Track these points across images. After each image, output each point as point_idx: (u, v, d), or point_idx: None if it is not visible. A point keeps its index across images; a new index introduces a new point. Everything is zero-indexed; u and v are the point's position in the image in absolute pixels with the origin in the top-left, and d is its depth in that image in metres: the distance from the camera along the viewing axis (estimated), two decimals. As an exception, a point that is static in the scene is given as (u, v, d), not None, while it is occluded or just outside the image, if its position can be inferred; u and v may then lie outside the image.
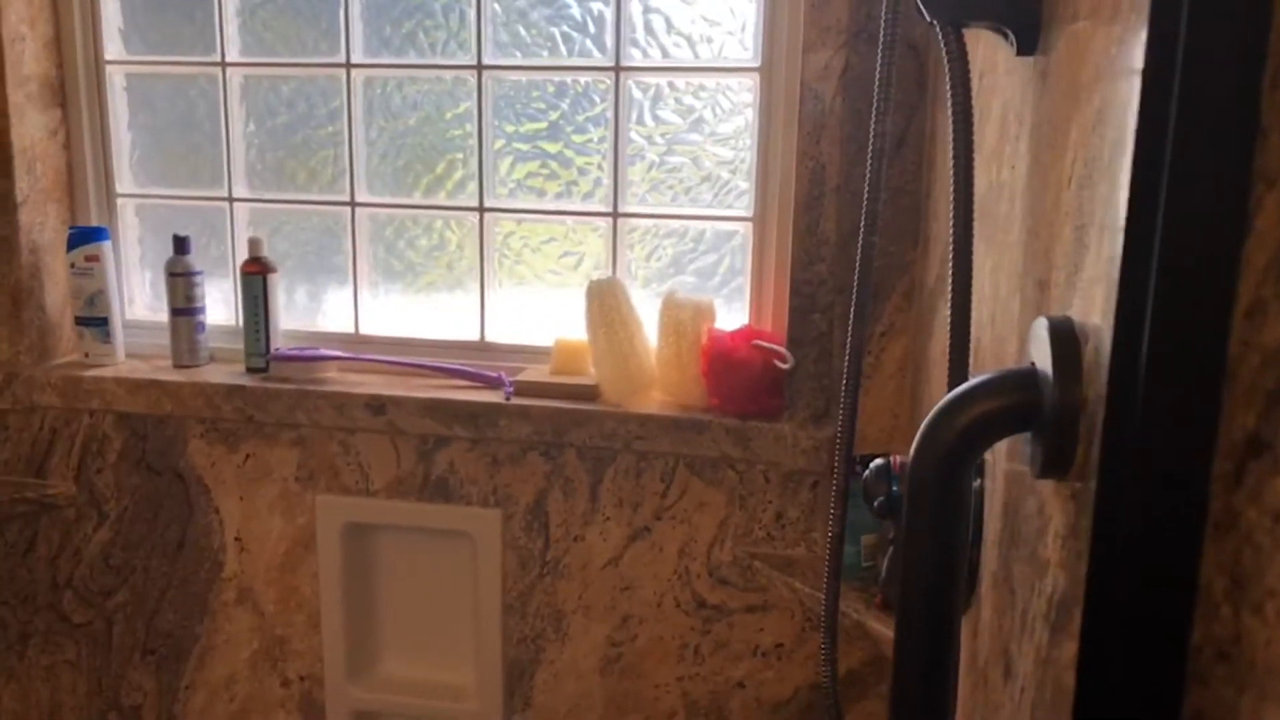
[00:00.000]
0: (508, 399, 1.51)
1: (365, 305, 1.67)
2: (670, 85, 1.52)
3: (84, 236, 1.63)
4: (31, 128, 1.62)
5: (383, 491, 1.57)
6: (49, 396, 1.63)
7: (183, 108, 1.69)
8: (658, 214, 1.56)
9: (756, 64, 1.47)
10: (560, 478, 1.52)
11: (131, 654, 1.72)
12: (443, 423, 1.51)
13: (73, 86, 1.67)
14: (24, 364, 1.64)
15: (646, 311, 1.52)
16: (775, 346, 1.43)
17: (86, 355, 1.66)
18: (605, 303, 1.49)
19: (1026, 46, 0.73)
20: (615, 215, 1.56)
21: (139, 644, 1.71)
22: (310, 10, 1.60)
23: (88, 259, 1.63)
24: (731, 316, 1.54)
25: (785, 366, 1.41)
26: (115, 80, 1.68)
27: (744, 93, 1.49)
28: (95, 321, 1.65)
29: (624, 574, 1.53)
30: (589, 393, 1.51)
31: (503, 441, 1.52)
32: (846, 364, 1.10)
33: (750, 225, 1.52)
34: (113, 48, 1.67)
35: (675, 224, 1.56)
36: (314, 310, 1.70)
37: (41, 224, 1.65)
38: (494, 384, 1.56)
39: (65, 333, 1.69)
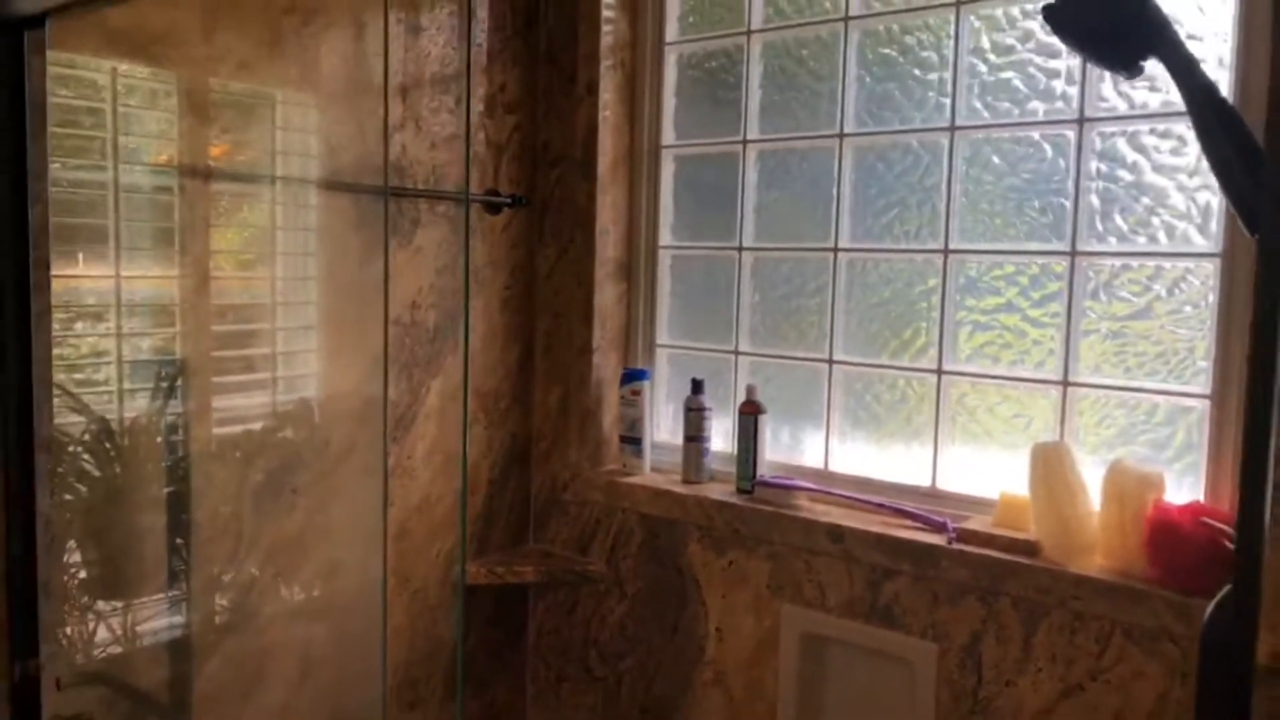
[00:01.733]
0: (950, 543, 1.68)
1: (834, 446, 1.97)
2: (1126, 265, 1.62)
3: (632, 376, 2.16)
4: (607, 296, 2.20)
5: (836, 609, 1.82)
6: (597, 495, 2.16)
7: (708, 279, 2.16)
8: (1107, 385, 1.65)
9: (1217, 250, 1.52)
10: (995, 623, 1.65)
11: (631, 709, 2.15)
12: (890, 557, 1.73)
13: (635, 265, 2.23)
14: (584, 468, 2.20)
15: (1092, 476, 1.61)
16: (1224, 525, 1.43)
17: (624, 466, 2.18)
18: (1049, 464, 1.61)
19: None
20: (1065, 384, 1.68)
21: (638, 702, 2.14)
22: (810, 204, 1.98)
23: (633, 393, 2.15)
24: (1183, 492, 1.56)
25: (1233, 547, 1.40)
26: (664, 260, 2.22)
27: (1204, 276, 1.54)
28: (633, 441, 2.16)
29: (1054, 727, 1.60)
30: (1028, 547, 1.62)
31: (943, 581, 1.69)
32: None
33: (1208, 403, 1.54)
34: (665, 236, 2.21)
35: (1126, 395, 1.63)
36: (793, 446, 2.03)
37: (604, 365, 2.21)
38: (939, 528, 1.74)
39: (612, 448, 2.23)
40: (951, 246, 1.80)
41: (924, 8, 1.81)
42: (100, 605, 1.66)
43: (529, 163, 2.24)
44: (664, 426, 2.24)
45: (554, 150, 2.22)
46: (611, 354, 2.23)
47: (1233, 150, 0.96)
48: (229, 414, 1.78)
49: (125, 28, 1.52)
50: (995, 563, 1.62)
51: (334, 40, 1.83)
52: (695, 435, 2.07)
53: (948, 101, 1.78)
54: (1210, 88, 1.05)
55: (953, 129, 1.78)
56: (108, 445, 1.65)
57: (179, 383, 1.71)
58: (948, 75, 1.78)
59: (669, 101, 2.19)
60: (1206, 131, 1.02)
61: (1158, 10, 1.06)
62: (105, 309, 1.63)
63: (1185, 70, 1.01)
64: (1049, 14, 1.11)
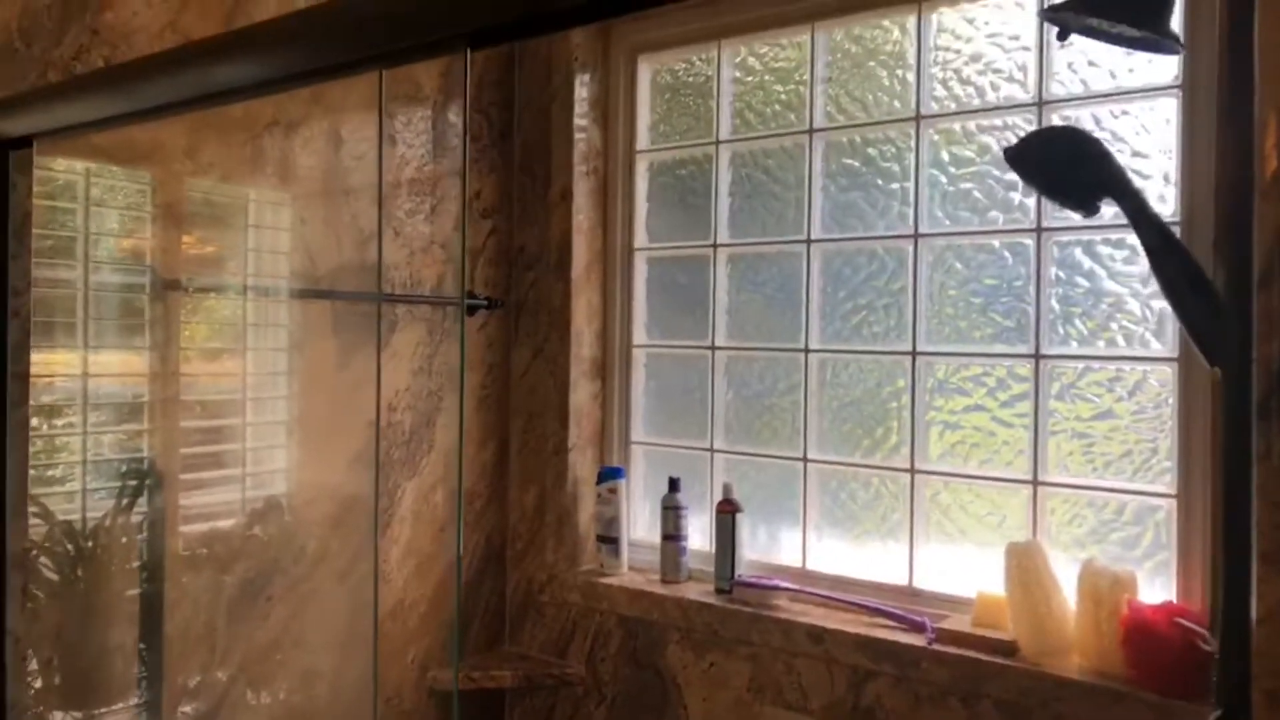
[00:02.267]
0: (929, 643, 1.69)
1: (811, 544, 1.98)
2: (1089, 368, 1.68)
3: (609, 474, 2.17)
4: (582, 395, 2.22)
5: (819, 712, 1.82)
6: (574, 595, 2.15)
7: (681, 377, 2.19)
8: (1076, 485, 1.69)
9: (1174, 354, 1.58)
10: (977, 725, 1.65)
11: (611, 817, 2.10)
12: (871, 658, 1.74)
13: (609, 363, 2.26)
14: (561, 568, 2.18)
15: (1066, 574, 1.63)
16: (1197, 627, 1.46)
17: (601, 566, 2.17)
18: (1023, 564, 1.64)
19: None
20: (1035, 483, 1.72)
21: (617, 810, 2.09)
22: (780, 305, 2.03)
23: (610, 491, 2.16)
24: (1156, 591, 1.59)
25: (1208, 649, 1.43)
26: (638, 359, 2.25)
27: (1163, 379, 1.60)
28: (609, 540, 2.16)
29: (1040, 831, 1.59)
30: (1006, 647, 1.64)
31: (925, 682, 1.69)
32: None
33: (1174, 502, 1.59)
34: (639, 335, 2.25)
35: (1095, 494, 1.67)
36: (770, 544, 2.05)
37: (580, 463, 2.22)
38: (918, 627, 1.75)
39: (588, 547, 2.22)
40: (919, 348, 1.85)
41: (885, 121, 1.89)
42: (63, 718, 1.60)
43: (504, 266, 2.28)
44: (640, 524, 2.24)
45: (529, 253, 2.26)
46: (588, 452, 2.24)
47: (1185, 283, 1.02)
48: (200, 514, 1.76)
49: (110, 146, 1.55)
50: (975, 664, 1.63)
51: (313, 152, 1.88)
52: (673, 534, 2.08)
53: (910, 210, 1.86)
54: (1162, 226, 1.11)
55: (916, 236, 1.85)
56: (70, 549, 1.62)
57: (148, 482, 1.69)
58: (909, 185, 1.86)
59: (641, 206, 2.25)
60: (1160, 266, 1.08)
61: (1113, 160, 1.12)
62: (69, 405, 1.62)
63: (1138, 211, 1.08)
64: (1011, 156, 1.18)
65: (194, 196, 1.70)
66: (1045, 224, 1.72)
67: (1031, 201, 1.73)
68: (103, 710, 1.64)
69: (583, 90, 2.20)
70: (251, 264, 1.83)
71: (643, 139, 2.24)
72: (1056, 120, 1.70)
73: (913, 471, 1.86)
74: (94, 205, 1.60)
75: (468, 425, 2.21)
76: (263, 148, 1.77)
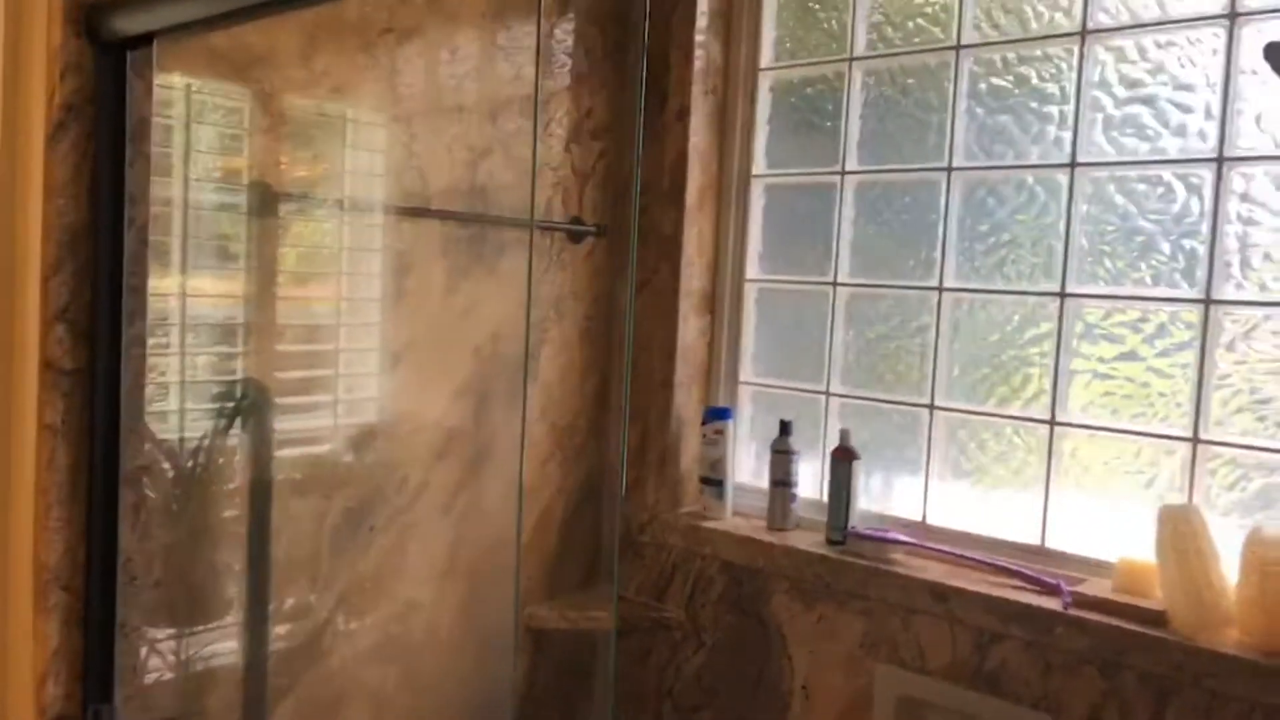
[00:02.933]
0: (1066, 608, 1.57)
1: (933, 496, 1.86)
2: (1267, 317, 1.51)
3: (715, 414, 2.07)
4: (690, 330, 2.12)
5: (937, 673, 1.72)
6: (675, 538, 2.07)
7: (796, 315, 2.07)
8: (1243, 444, 1.53)
9: (1377, 304, 1.40)
10: (1117, 698, 1.53)
11: (706, 763, 2.05)
12: (1000, 620, 1.62)
13: (719, 298, 2.15)
14: (662, 509, 2.11)
15: (1227, 542, 1.49)
16: (1388, 607, 1.31)
17: (704, 509, 2.08)
18: (1179, 530, 1.50)
19: None
20: (1195, 441, 1.57)
21: (713, 756, 2.04)
22: (912, 239, 1.89)
23: (716, 432, 2.06)
24: (1332, 563, 1.44)
25: (1400, 632, 1.29)
26: (749, 294, 2.13)
27: (1360, 330, 1.43)
28: (714, 482, 2.07)
29: (1182, 814, 1.48)
30: (1155, 617, 1.51)
31: (1058, 649, 1.58)
32: None
33: (1361, 468, 1.42)
34: (752, 268, 2.13)
35: (1265, 456, 1.52)
36: (886, 495, 1.93)
37: (685, 403, 2.13)
38: (1052, 590, 1.63)
39: (691, 489, 2.14)
40: (1069, 290, 1.69)
41: (1044, 37, 1.71)
42: (170, 643, 1.59)
43: (613, 190, 2.17)
44: (745, 468, 2.15)
45: (641, 178, 2.15)
46: (693, 390, 2.14)
47: None
48: (301, 439, 1.71)
49: (226, 48, 1.48)
50: (1119, 633, 1.51)
51: (429, 62, 1.78)
52: (782, 480, 1.98)
53: (1068, 136, 1.69)
54: None
55: (1073, 165, 1.68)
56: (169, 469, 1.59)
57: (246, 403, 1.64)
58: (1069, 109, 1.69)
59: (761, 129, 2.11)
60: None
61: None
62: (164, 325, 1.56)
63: None
64: (1271, 52, 1.03)
65: (297, 111, 1.62)
66: (1226, 153, 1.54)
67: (1213, 127, 1.55)
68: (207, 627, 1.62)
69: (703, 2, 2.06)
70: (355, 183, 1.75)
71: (766, 56, 2.09)
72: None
73: (1052, 423, 1.71)
74: (193, 122, 1.53)
75: (571, 358, 2.13)
76: (376, 56, 1.68)
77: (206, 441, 1.61)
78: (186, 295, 1.56)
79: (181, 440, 1.57)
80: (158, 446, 1.55)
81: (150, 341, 1.47)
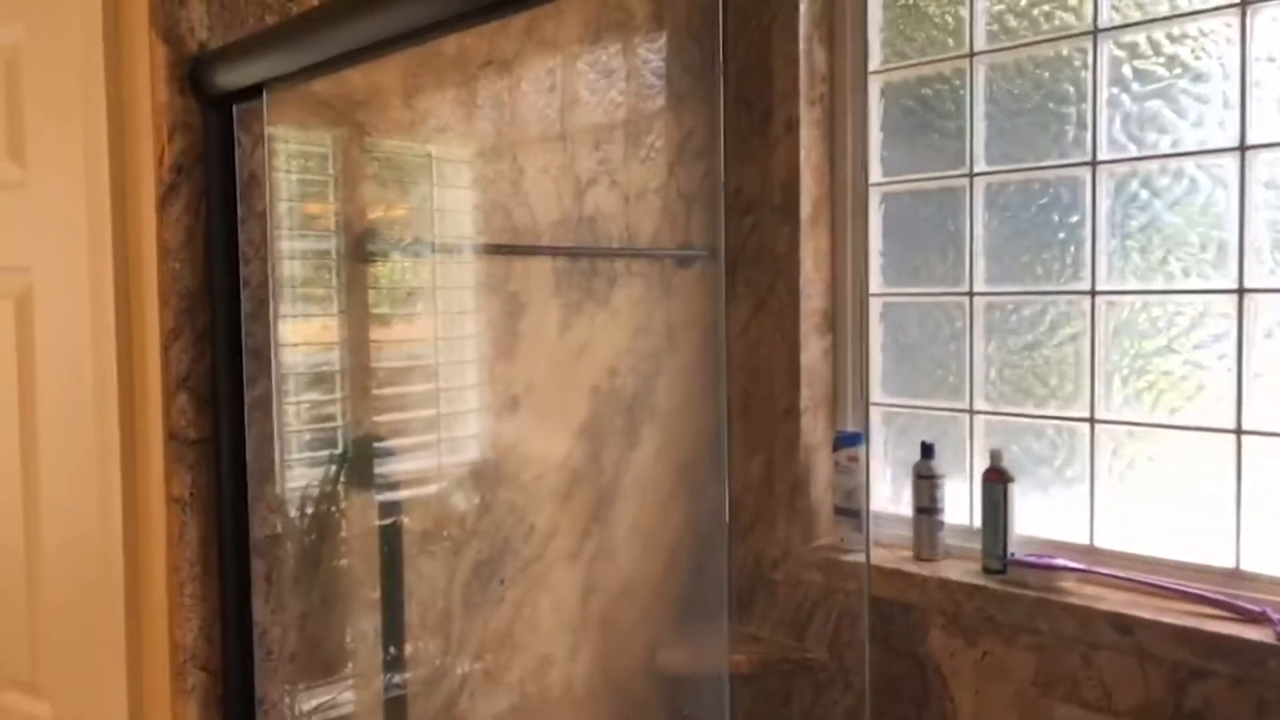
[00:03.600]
0: (1279, 638, 1.41)
1: (1100, 517, 1.71)
2: None
3: (847, 440, 1.95)
4: (812, 351, 2.00)
5: (1127, 714, 1.56)
6: (813, 574, 1.95)
7: (925, 329, 1.94)
8: None
9: None
10: (1349, 739, 1.36)
11: (862, 814, 1.91)
12: (1199, 654, 1.46)
13: (841, 316, 2.03)
14: (795, 544, 1.99)
15: None
16: None
17: (841, 540, 1.96)
18: None
19: None
20: None
21: (869, 807, 1.90)
22: (1054, 240, 1.74)
23: (850, 459, 1.94)
24: None
25: None
26: (874, 309, 2.01)
27: None
28: (850, 513, 1.94)
29: None
30: (1388, 647, 1.34)
31: (1272, 684, 1.41)
32: None
33: None
34: (875, 283, 2.00)
35: None
36: (1042, 519, 1.78)
37: (812, 428, 2.01)
38: (1256, 618, 1.47)
39: (823, 520, 2.01)
40: (1246, 285, 1.53)
41: (1197, 12, 1.56)
42: (309, 716, 1.52)
43: (718, 210, 2.07)
44: (880, 495, 2.01)
45: (747, 195, 2.04)
46: (820, 415, 2.02)
47: None
48: (421, 488, 1.64)
49: (330, 95, 1.42)
50: (1346, 666, 1.34)
51: (527, 91, 1.71)
52: (928, 506, 1.84)
53: (1234, 117, 1.53)
54: None
55: (1242, 149, 1.53)
56: (300, 535, 1.52)
57: (365, 455, 1.57)
58: (1232, 89, 1.54)
59: (875, 136, 1.99)
60: None
61: None
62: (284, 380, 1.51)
63: None
64: None
65: (403, 152, 1.56)
66: None
67: None
68: (343, 696, 1.55)
69: (804, 6, 1.95)
70: (464, 223, 1.68)
71: (875, 58, 1.98)
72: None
73: (1239, 431, 1.55)
74: (301, 172, 1.47)
75: (690, 389, 2.03)
76: (477, 90, 1.61)
77: (333, 504, 1.55)
78: (279, 344, 1.50)
79: (305, 502, 1.50)
80: (283, 512, 1.49)
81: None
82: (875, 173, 1.99)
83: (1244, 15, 1.52)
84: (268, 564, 1.37)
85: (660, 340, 1.97)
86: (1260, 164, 1.51)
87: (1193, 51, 1.58)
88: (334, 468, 1.56)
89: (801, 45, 1.95)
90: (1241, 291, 1.54)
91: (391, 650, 1.56)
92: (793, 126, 1.96)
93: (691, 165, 2.02)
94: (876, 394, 2.01)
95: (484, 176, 1.67)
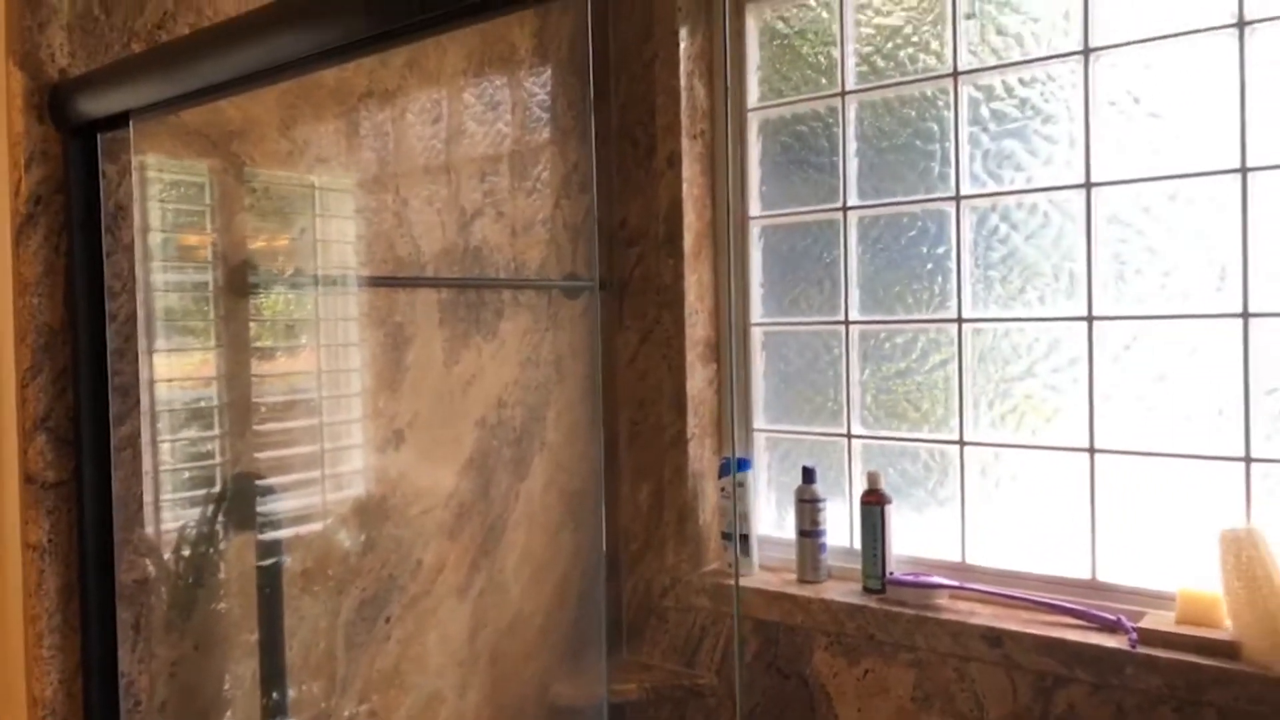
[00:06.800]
0: (1133, 645, 1.50)
1: (971, 535, 1.79)
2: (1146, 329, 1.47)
3: (735, 465, 1.99)
4: (698, 380, 2.04)
5: (998, 724, 1.63)
6: (701, 599, 1.97)
7: (804, 357, 2.00)
8: (1300, 459, 1.48)
9: None
10: (1197, 737, 1.46)
11: (754, 837, 1.93)
12: (1062, 663, 1.54)
13: (725, 345, 2.08)
14: (684, 570, 2.01)
15: (1291, 563, 1.43)
16: None
17: (728, 566, 1.99)
18: (1244, 553, 1.43)
19: None
20: (1248, 460, 1.51)
21: (761, 829, 1.92)
22: (923, 270, 1.83)
23: (737, 484, 1.98)
24: (1407, 577, 1.38)
25: None
26: (756, 338, 2.06)
27: None
28: (736, 538, 1.97)
29: None
30: (1227, 649, 1.44)
31: (1129, 690, 1.50)
32: None
33: None
34: (756, 312, 2.06)
35: (1323, 470, 1.46)
36: (917, 538, 1.85)
37: (699, 455, 2.04)
38: (1112, 627, 1.56)
39: (713, 545, 2.05)
40: (1095, 313, 1.64)
41: (1045, 58, 1.68)
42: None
43: (605, 243, 2.10)
44: (766, 519, 2.06)
45: (632, 228, 2.08)
46: (706, 442, 2.06)
47: None
48: (301, 526, 1.59)
49: (202, 124, 1.38)
50: (1192, 668, 1.44)
51: (410, 123, 1.70)
52: (810, 530, 1.89)
53: (1080, 156, 1.64)
54: None
55: (1088, 186, 1.64)
56: (171, 579, 1.46)
57: (240, 494, 1.52)
58: (1077, 129, 1.65)
59: (754, 170, 2.05)
60: None
61: None
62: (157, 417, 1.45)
63: None
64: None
65: (280, 184, 1.53)
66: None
67: None
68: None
69: (685, 44, 2.01)
70: (343, 253, 1.65)
71: (753, 95, 2.04)
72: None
73: (1092, 450, 1.65)
74: (171, 203, 1.43)
75: (576, 419, 2.04)
76: (357, 122, 1.60)
77: (210, 545, 1.49)
78: (154, 380, 1.45)
79: (180, 544, 1.44)
80: (155, 555, 1.43)
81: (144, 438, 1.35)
82: (755, 206, 2.05)
83: (1086, 61, 1.63)
84: (135, 611, 1.31)
85: (548, 371, 1.97)
86: (1104, 200, 1.63)
87: (1042, 95, 1.69)
88: (211, 507, 1.51)
89: (683, 82, 2.00)
90: (1091, 319, 1.64)
91: (273, 695, 1.51)
92: (675, 161, 2.00)
93: (577, 198, 2.04)
94: (760, 420, 2.06)
95: (367, 207, 1.65)
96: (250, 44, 0.97)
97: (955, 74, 1.77)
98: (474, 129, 1.81)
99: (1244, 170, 1.50)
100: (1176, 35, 1.55)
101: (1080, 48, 1.64)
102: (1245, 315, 1.51)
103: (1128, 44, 1.60)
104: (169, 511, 1.42)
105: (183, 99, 1.13)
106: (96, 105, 1.17)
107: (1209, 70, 1.53)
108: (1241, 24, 1.49)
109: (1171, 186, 1.57)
